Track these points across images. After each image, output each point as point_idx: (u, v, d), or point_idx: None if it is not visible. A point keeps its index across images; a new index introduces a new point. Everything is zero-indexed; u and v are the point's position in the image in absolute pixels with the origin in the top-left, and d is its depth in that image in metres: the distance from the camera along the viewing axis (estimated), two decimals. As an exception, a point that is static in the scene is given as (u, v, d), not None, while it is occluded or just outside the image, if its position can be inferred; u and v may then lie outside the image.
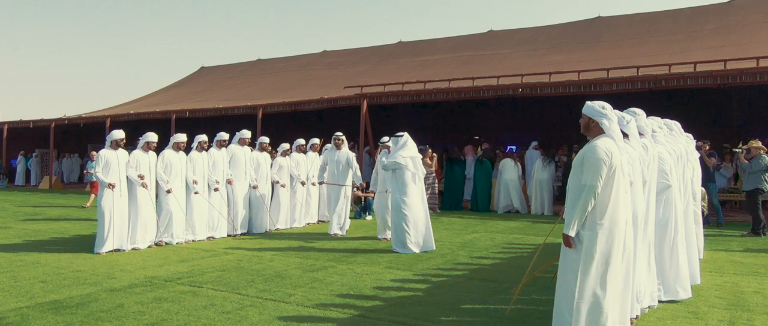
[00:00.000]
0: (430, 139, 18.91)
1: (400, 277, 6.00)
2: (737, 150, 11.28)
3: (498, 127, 22.10)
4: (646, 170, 4.42)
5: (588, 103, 3.73)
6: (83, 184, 21.10)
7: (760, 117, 17.55)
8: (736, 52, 14.15)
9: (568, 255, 3.53)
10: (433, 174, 12.99)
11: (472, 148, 15.36)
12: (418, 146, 12.85)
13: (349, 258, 7.14)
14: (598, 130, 3.64)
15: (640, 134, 4.59)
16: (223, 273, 6.11)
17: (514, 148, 20.01)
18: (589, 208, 3.42)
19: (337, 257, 7.19)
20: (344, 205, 9.44)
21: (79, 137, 24.50)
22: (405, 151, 7.72)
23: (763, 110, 17.13)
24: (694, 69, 12.88)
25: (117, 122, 19.52)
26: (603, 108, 3.65)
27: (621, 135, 3.73)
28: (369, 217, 11.98)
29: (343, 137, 9.74)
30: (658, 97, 14.85)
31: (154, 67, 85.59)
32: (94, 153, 14.81)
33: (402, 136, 7.91)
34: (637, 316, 4.26)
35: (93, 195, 14.12)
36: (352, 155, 9.71)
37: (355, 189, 11.09)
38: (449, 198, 14.17)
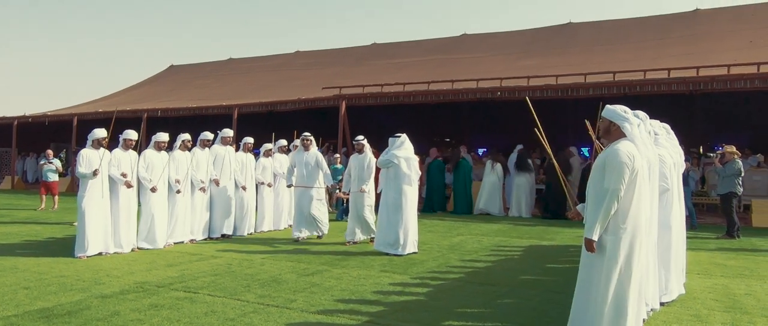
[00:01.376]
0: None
1: (398, 281, 5.94)
2: (711, 154, 11.67)
3: (471, 130, 22.29)
4: (652, 173, 4.47)
5: (608, 106, 3.74)
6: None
7: (723, 122, 18.19)
8: (705, 60, 14.61)
9: (590, 259, 3.53)
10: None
11: (436, 150, 15.37)
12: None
13: (341, 261, 7.04)
14: (619, 134, 3.65)
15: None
16: (216, 278, 5.93)
17: (485, 150, 20.23)
18: (612, 212, 3.42)
19: (329, 260, 7.09)
20: (319, 208, 9.09)
21: (44, 136, 23.59)
22: (400, 151, 7.66)
23: (726, 115, 17.76)
24: (669, 75, 13.26)
25: (84, 121, 18.89)
26: (625, 112, 3.67)
27: (644, 139, 3.75)
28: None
29: (312, 137, 9.39)
30: (630, 102, 15.24)
31: (120, 65, 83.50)
32: (50, 151, 14.12)
33: (400, 136, 7.85)
34: (643, 319, 4.30)
35: (56, 197, 13.49)
36: (322, 156, 9.41)
37: (337, 191, 10.98)
38: (428, 200, 14.18)
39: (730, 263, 7.22)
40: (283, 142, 10.85)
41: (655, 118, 5.91)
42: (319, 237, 9.14)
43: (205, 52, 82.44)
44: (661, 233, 4.87)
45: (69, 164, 21.25)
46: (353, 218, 8.54)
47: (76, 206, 7.30)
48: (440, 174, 14.35)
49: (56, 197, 13.50)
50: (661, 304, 4.87)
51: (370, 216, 8.52)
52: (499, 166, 13.86)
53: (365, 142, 8.77)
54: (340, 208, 12.26)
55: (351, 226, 8.56)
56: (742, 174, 9.91)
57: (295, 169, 9.16)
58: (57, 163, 13.62)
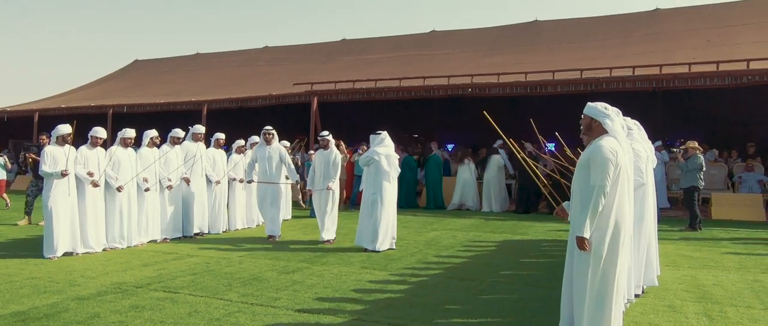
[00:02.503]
0: (366, 137, 18.91)
1: (379, 278, 5.97)
2: (674, 150, 12.09)
3: (441, 126, 22.45)
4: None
5: (590, 103, 3.84)
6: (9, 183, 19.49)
7: (682, 118, 18.81)
8: (666, 58, 15.09)
9: (576, 255, 3.61)
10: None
11: (399, 147, 15.46)
12: (364, 144, 12.84)
13: (320, 258, 7.03)
14: (601, 131, 3.75)
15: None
16: (195, 277, 5.86)
17: (454, 146, 20.45)
18: (600, 208, 3.51)
19: (308, 258, 7.07)
20: (279, 207, 8.82)
21: (2, 132, 22.68)
22: (381, 148, 7.69)
23: (685, 112, 18.39)
24: (633, 73, 13.65)
25: (46, 116, 18.28)
26: (605, 108, 3.77)
27: (623, 135, 3.86)
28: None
29: (274, 131, 9.08)
30: (597, 99, 15.61)
31: (81, 59, 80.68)
32: None
33: (380, 133, 7.87)
34: (622, 311, 4.45)
35: (4, 195, 12.91)
36: (285, 150, 9.20)
37: (309, 189, 10.91)
38: (399, 196, 14.22)
39: (696, 254, 7.51)
40: (256, 139, 10.73)
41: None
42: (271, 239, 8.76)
43: (170, 46, 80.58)
44: (637, 227, 5.03)
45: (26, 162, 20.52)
46: (320, 216, 8.44)
47: (42, 205, 7.10)
48: (410, 170, 14.41)
49: (4, 195, 12.94)
50: (636, 296, 5.04)
51: (330, 219, 8.32)
52: (466, 162, 14.02)
53: (330, 137, 8.61)
54: (312, 205, 12.19)
55: (322, 226, 8.44)
56: (704, 169, 10.29)
57: (257, 165, 8.90)
58: (5, 160, 13.08)
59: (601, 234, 3.53)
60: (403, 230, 9.71)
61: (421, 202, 14.46)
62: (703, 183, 10.44)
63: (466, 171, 13.83)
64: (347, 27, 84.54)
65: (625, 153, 3.73)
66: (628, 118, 5.72)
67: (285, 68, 22.68)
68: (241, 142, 10.50)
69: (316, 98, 15.52)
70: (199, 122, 15.28)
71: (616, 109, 4.98)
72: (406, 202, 13.96)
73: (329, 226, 8.38)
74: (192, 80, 23.44)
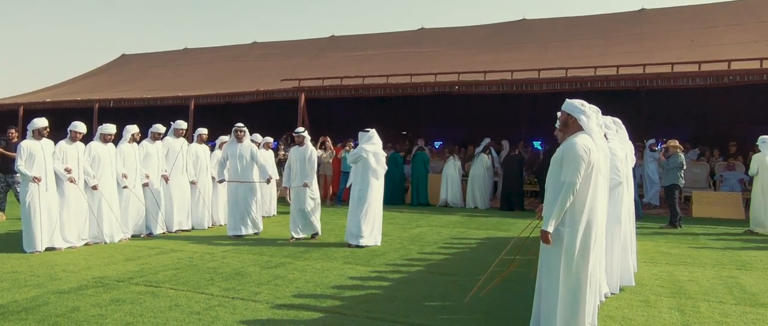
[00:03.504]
0: (353, 134, 18.94)
1: (361, 273, 6.02)
2: (657, 149, 12.27)
3: (428, 123, 22.55)
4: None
5: (568, 100, 3.91)
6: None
7: (666, 117, 19.05)
8: (650, 58, 15.26)
9: (548, 251, 3.68)
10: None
11: (387, 144, 15.49)
12: (351, 140, 12.87)
13: (304, 254, 7.07)
14: (576, 127, 3.82)
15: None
16: (177, 272, 5.87)
17: (441, 143, 20.55)
18: (568, 205, 3.57)
19: (291, 253, 7.11)
20: (254, 205, 8.78)
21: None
22: (369, 145, 7.74)
23: (668, 111, 18.62)
24: (617, 72, 13.80)
25: (31, 110, 18.10)
26: (582, 105, 3.84)
27: (599, 132, 3.92)
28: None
29: (246, 128, 8.98)
30: (581, 98, 15.74)
31: (67, 53, 79.65)
32: None
33: (368, 131, 7.91)
34: (597, 306, 4.53)
35: None
36: (256, 148, 9.11)
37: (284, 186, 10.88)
38: (385, 193, 14.27)
39: (674, 251, 7.64)
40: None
41: (604, 113, 6.17)
42: (256, 234, 8.76)
43: (157, 41, 79.73)
44: (613, 226, 5.11)
45: None
46: (294, 213, 8.26)
47: (19, 200, 7.06)
48: (396, 167, 14.46)
49: None
50: (612, 293, 5.13)
51: (313, 214, 8.26)
52: (452, 159, 14.11)
53: (306, 134, 8.50)
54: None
55: (293, 222, 8.27)
56: (684, 167, 10.45)
57: (228, 163, 8.79)
58: None
59: (574, 230, 3.59)
60: (388, 226, 9.76)
61: (407, 199, 14.53)
62: (684, 182, 10.60)
63: (451, 167, 13.92)
64: (336, 24, 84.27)
65: (600, 150, 3.79)
66: (608, 116, 5.81)
67: (273, 64, 22.64)
68: (226, 137, 10.47)
69: (303, 94, 15.52)
70: (186, 117, 15.25)
71: (594, 107, 5.06)
72: (392, 199, 14.01)
73: (314, 222, 8.36)
74: (180, 75, 23.32)
